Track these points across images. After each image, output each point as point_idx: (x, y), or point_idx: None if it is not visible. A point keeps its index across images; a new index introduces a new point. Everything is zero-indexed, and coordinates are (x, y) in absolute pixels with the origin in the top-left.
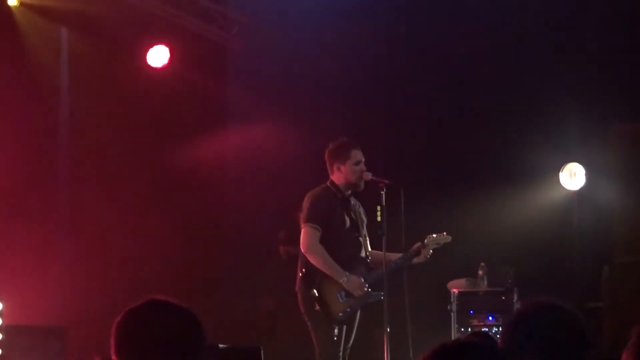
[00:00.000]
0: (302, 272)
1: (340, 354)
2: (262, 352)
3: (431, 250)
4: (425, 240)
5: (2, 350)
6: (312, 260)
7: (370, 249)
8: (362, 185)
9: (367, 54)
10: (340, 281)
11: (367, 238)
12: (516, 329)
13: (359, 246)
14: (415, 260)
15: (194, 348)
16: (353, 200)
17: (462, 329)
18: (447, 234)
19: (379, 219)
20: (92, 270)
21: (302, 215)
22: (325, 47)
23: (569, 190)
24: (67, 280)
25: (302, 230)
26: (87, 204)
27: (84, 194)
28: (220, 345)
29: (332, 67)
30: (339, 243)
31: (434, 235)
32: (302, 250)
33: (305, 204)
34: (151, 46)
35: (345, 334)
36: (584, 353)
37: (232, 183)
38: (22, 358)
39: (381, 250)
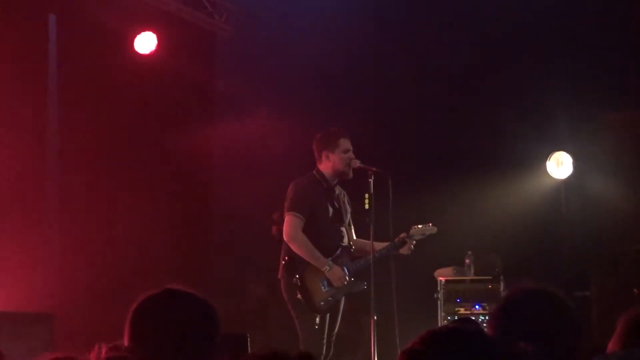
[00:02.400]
0: (285, 260)
1: (324, 341)
2: (248, 339)
3: (414, 242)
4: (411, 231)
5: None
6: (295, 248)
7: (355, 238)
8: (350, 173)
9: (356, 42)
10: (323, 270)
11: (352, 227)
12: (507, 315)
13: (342, 236)
14: (401, 251)
15: (208, 337)
16: (338, 190)
17: (449, 317)
18: (432, 225)
19: (367, 206)
20: (81, 257)
21: (286, 204)
22: (314, 35)
23: (556, 179)
24: (56, 267)
25: (285, 219)
26: (76, 192)
27: (73, 182)
28: None
29: (321, 55)
30: (321, 232)
31: (420, 226)
32: (285, 238)
33: (290, 192)
34: (139, 33)
35: (330, 321)
36: (575, 341)
37: (221, 170)
38: (10, 344)
39: (369, 239)
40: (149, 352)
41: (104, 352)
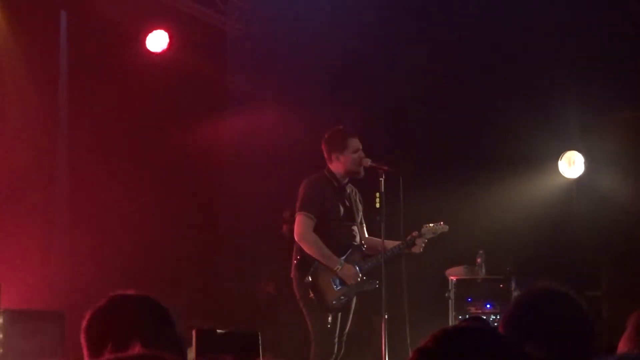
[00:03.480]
0: (297, 259)
1: (336, 340)
2: (259, 337)
3: (426, 240)
4: (422, 230)
5: (1, 334)
6: (306, 248)
7: (367, 236)
8: (362, 172)
9: (367, 39)
10: (335, 269)
11: (364, 225)
12: (521, 315)
13: (354, 234)
14: (412, 250)
15: (160, 334)
16: (349, 188)
17: (460, 316)
18: (444, 224)
19: (377, 205)
20: (91, 254)
21: (297, 204)
22: (324, 32)
23: (568, 179)
24: (67, 264)
25: (297, 219)
26: (87, 189)
27: (84, 179)
28: (218, 330)
29: (331, 52)
30: (333, 231)
31: (431, 225)
32: (296, 238)
33: (301, 192)
34: (150, 31)
35: (341, 320)
36: (588, 341)
37: (232, 167)
38: (21, 342)
39: (379, 237)
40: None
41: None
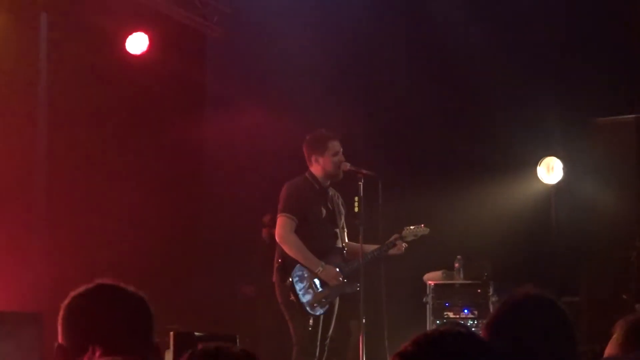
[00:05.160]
0: (278, 262)
1: (318, 343)
2: (237, 340)
3: (406, 243)
4: (403, 232)
5: None
6: (287, 250)
7: (347, 241)
8: (341, 175)
9: (348, 43)
10: (316, 271)
11: (345, 229)
12: (506, 320)
13: (335, 237)
14: (392, 251)
15: (141, 332)
16: (332, 192)
17: (438, 321)
18: (424, 226)
19: (356, 209)
20: (69, 256)
21: (279, 206)
22: (305, 36)
23: (547, 185)
24: (44, 266)
25: (278, 221)
26: (65, 191)
27: (62, 181)
28: (196, 333)
29: (312, 57)
30: (314, 234)
31: (412, 227)
32: (278, 240)
33: (283, 194)
34: (130, 33)
35: (323, 324)
36: (572, 347)
37: (212, 170)
38: None
39: (358, 241)
40: (81, 348)
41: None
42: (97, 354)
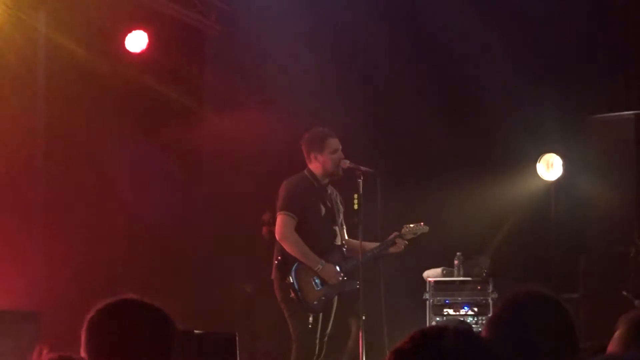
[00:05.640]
0: (277, 259)
1: (317, 341)
2: (237, 338)
3: (406, 240)
4: (402, 230)
5: None
6: (287, 248)
7: (347, 238)
8: (340, 172)
9: (346, 40)
10: (316, 269)
11: (344, 227)
12: (508, 318)
13: (334, 235)
14: (392, 250)
15: (164, 348)
16: (330, 189)
17: (437, 318)
18: (424, 224)
19: (355, 207)
20: (66, 254)
21: (278, 204)
22: (304, 34)
23: (546, 181)
24: (41, 264)
25: (278, 219)
26: (62, 189)
27: (59, 179)
28: (195, 331)
29: (311, 54)
30: (314, 231)
31: (411, 225)
32: (278, 238)
33: (282, 192)
34: (129, 31)
35: (322, 321)
36: (573, 344)
37: (210, 168)
38: None
39: (358, 239)
40: None
41: (44, 354)
42: None
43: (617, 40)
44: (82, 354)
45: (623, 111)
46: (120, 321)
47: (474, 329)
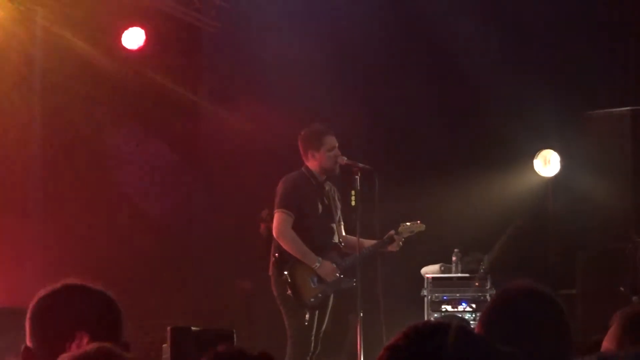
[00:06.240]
0: (274, 256)
1: (312, 338)
2: (235, 335)
3: (403, 238)
4: (399, 228)
5: None
6: (285, 245)
7: (344, 234)
8: (337, 169)
9: (344, 38)
10: (313, 266)
11: (342, 223)
12: (500, 314)
13: (332, 232)
14: (389, 248)
15: (109, 332)
16: (328, 186)
17: (435, 315)
18: (420, 223)
19: (353, 203)
20: (65, 251)
21: (276, 201)
22: (302, 31)
23: (544, 177)
24: (40, 261)
25: (275, 216)
26: (61, 186)
27: (58, 175)
28: (193, 328)
29: (309, 51)
30: (311, 229)
31: (408, 224)
32: (275, 235)
33: (279, 189)
34: (126, 28)
35: (318, 318)
36: (566, 340)
37: (208, 164)
38: None
39: (355, 235)
40: (49, 349)
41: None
42: (77, 345)
43: (614, 37)
44: (28, 343)
45: (619, 107)
46: (62, 306)
47: (472, 325)
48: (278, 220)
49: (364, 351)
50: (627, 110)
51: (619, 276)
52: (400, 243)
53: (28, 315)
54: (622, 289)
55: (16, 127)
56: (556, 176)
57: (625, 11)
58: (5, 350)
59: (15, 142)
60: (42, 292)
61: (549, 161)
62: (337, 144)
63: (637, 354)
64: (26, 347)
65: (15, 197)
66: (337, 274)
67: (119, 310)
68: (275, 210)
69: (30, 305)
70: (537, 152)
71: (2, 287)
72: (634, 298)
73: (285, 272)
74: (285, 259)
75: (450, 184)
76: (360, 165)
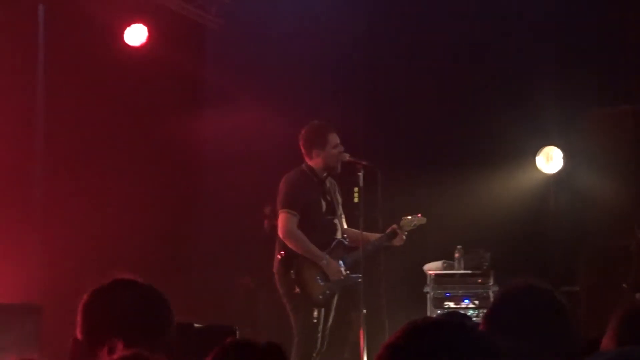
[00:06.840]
0: (280, 254)
1: (319, 335)
2: (237, 332)
3: (405, 232)
4: (401, 222)
5: None
6: (292, 245)
7: (346, 226)
8: (339, 167)
9: (346, 35)
10: (321, 264)
11: (343, 217)
12: (503, 311)
13: (335, 229)
14: (394, 242)
15: (160, 326)
16: (328, 182)
17: (438, 311)
18: (421, 216)
19: (356, 200)
20: (67, 248)
21: (279, 201)
22: (304, 27)
23: (546, 174)
24: (42, 258)
25: (280, 216)
26: (62, 183)
27: (59, 173)
28: (195, 325)
29: (311, 47)
30: (316, 226)
31: (409, 217)
32: (281, 236)
33: (282, 188)
34: (129, 25)
35: (324, 315)
36: (568, 338)
37: (211, 162)
38: None
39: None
40: (100, 343)
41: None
42: (120, 347)
43: (617, 35)
44: (78, 335)
45: (622, 105)
46: (114, 301)
47: (475, 322)
48: (283, 221)
49: (367, 348)
50: (630, 108)
51: (622, 273)
52: (404, 237)
53: (79, 309)
54: (625, 286)
55: (17, 125)
56: (559, 173)
57: (629, 9)
58: (8, 346)
59: (17, 142)
60: (93, 288)
61: (552, 158)
62: (339, 141)
63: (621, 353)
64: (75, 340)
65: (16, 194)
66: (343, 275)
67: (169, 308)
68: (280, 211)
69: (82, 301)
70: (539, 148)
71: (5, 285)
72: (637, 295)
73: (292, 271)
74: (291, 257)
75: (452, 180)
76: (364, 162)
